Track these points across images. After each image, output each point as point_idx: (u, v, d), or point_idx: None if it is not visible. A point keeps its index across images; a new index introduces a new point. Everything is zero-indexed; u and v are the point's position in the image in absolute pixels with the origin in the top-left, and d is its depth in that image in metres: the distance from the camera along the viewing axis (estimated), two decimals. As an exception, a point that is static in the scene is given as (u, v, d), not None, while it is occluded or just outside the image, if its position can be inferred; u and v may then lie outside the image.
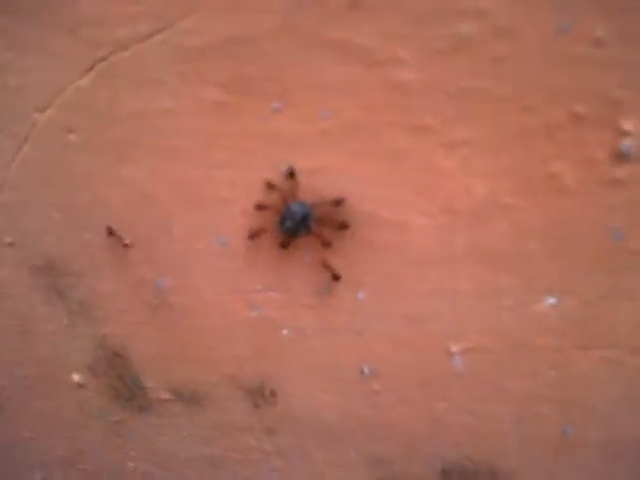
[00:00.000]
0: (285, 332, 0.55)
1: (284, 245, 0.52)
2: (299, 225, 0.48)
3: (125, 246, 0.52)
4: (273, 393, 0.59)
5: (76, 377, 0.64)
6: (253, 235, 0.52)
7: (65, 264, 0.57)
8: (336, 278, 0.52)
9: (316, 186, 0.48)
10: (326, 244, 0.50)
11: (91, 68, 0.47)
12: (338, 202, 0.48)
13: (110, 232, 0.53)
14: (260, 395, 0.59)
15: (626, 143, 0.39)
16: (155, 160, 0.49)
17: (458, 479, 0.59)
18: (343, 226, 0.49)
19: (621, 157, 0.40)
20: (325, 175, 0.48)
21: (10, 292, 0.60)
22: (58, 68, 0.47)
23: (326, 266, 0.51)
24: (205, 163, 0.49)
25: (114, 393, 0.64)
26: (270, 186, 0.50)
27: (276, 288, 0.53)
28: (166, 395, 0.62)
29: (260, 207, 0.51)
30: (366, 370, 0.54)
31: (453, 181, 0.46)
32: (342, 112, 0.45)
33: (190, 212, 0.52)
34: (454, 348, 0.53)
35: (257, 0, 0.42)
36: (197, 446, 0.66)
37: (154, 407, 0.64)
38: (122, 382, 0.63)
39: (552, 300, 0.48)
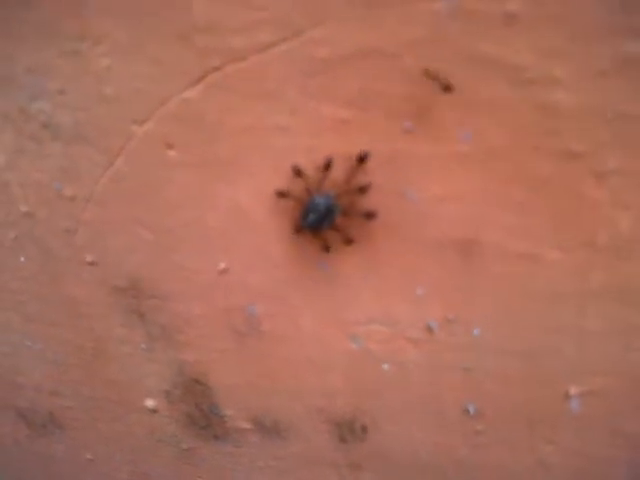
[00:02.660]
0: (385, 367, 0.50)
1: (297, 230, 0.47)
2: (323, 219, 0.44)
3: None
4: (364, 428, 0.53)
5: (149, 402, 0.58)
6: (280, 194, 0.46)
7: (150, 286, 0.51)
8: (348, 242, 0.46)
9: (445, 213, 0.44)
10: (348, 241, 0.46)
11: (201, 79, 0.41)
12: (364, 189, 0.44)
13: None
14: (349, 429, 0.54)
15: None
16: (260, 181, 0.44)
17: (558, 525, 0.51)
18: (370, 215, 0.44)
19: None
20: (456, 202, 0.44)
21: (86, 311, 0.54)
22: (162, 78, 0.42)
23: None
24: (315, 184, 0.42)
25: (189, 420, 0.59)
26: (297, 172, 0.45)
27: (381, 320, 0.47)
28: (245, 424, 0.57)
29: (281, 195, 0.46)
30: (471, 409, 0.49)
31: (598, 213, 0.41)
32: (484, 134, 0.40)
33: (293, 238, 0.44)
34: (573, 390, 0.48)
35: (400, 10, 0.35)
36: (272, 478, 0.59)
37: (230, 436, 0.58)
38: (199, 409, 0.57)
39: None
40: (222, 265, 0.49)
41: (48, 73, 0.45)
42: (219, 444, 0.61)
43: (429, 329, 0.47)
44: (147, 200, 0.48)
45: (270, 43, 0.41)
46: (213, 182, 0.45)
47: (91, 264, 0.52)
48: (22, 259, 0.54)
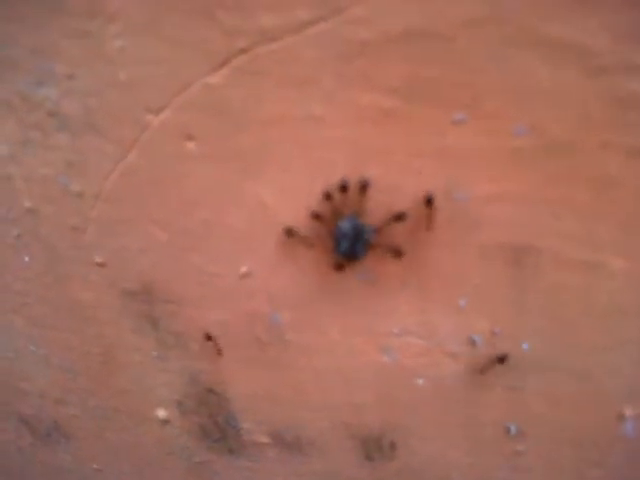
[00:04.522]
0: (420, 382, 0.44)
1: (339, 267, 0.43)
2: (355, 244, 0.40)
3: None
4: (393, 446, 0.48)
5: (161, 413, 0.53)
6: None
7: (164, 290, 0.45)
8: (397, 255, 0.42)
9: (495, 215, 0.40)
10: (396, 254, 0.41)
11: (225, 62, 0.36)
12: (400, 217, 0.39)
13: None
14: (376, 447, 0.49)
15: None
16: (289, 176, 0.39)
17: None
18: (397, 254, 0.41)
19: None
20: (508, 203, 0.39)
21: (94, 316, 0.49)
22: (182, 61, 0.36)
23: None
24: (352, 182, 0.36)
25: (202, 432, 0.54)
26: (327, 197, 0.40)
27: (417, 332, 0.41)
28: (263, 438, 0.52)
29: (316, 217, 0.42)
30: (513, 429, 0.43)
31: (669, 218, 0.33)
32: (544, 127, 0.36)
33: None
34: (629, 411, 0.44)
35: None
36: (291, 494, 0.54)
37: (247, 450, 0.53)
38: (213, 421, 0.52)
39: None
40: (244, 269, 0.44)
41: (55, 56, 0.40)
42: (234, 458, 0.56)
43: (472, 342, 0.42)
44: (162, 197, 0.42)
45: (305, 23, 0.36)
46: (237, 177, 0.40)
47: (100, 265, 0.47)
48: (26, 259, 0.48)
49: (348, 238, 0.41)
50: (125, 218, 0.45)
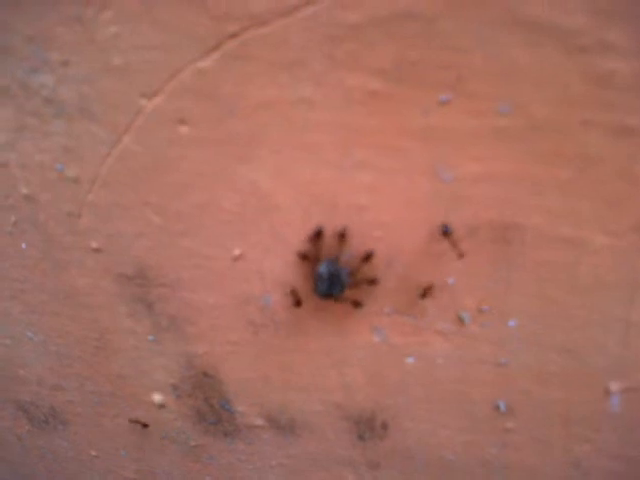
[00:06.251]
0: (410, 360, 0.45)
1: (297, 303, 0.46)
2: (333, 286, 0.43)
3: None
4: (384, 425, 0.49)
5: (157, 397, 0.54)
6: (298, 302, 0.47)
7: (159, 274, 0.46)
8: (372, 283, 0.45)
9: (481, 194, 0.40)
10: (356, 304, 0.45)
11: (216, 47, 0.36)
12: (367, 257, 0.43)
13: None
14: (368, 427, 0.50)
15: None
16: (281, 159, 0.39)
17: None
18: (372, 282, 0.43)
19: None
20: (493, 182, 0.39)
21: (90, 301, 0.49)
22: (174, 46, 0.37)
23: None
24: (340, 164, 0.40)
25: (197, 416, 0.54)
26: (302, 257, 0.45)
27: (407, 311, 0.41)
28: (258, 421, 0.52)
29: (304, 257, 0.45)
30: (502, 406, 0.44)
31: (651, 195, 0.34)
32: (526, 106, 0.36)
33: (313, 219, 0.43)
34: (614, 386, 0.44)
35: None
36: (285, 477, 0.57)
37: (242, 433, 0.54)
38: (208, 405, 0.53)
39: None
40: (237, 251, 0.44)
41: (50, 43, 0.40)
42: (229, 441, 0.56)
43: (460, 320, 0.42)
44: (156, 181, 0.43)
45: (294, 6, 0.37)
46: (229, 161, 0.41)
47: (96, 251, 0.47)
48: (23, 246, 0.49)
49: (325, 280, 0.43)
50: (120, 203, 0.45)
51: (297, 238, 0.43)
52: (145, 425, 0.51)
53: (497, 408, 0.46)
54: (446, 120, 0.36)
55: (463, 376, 0.46)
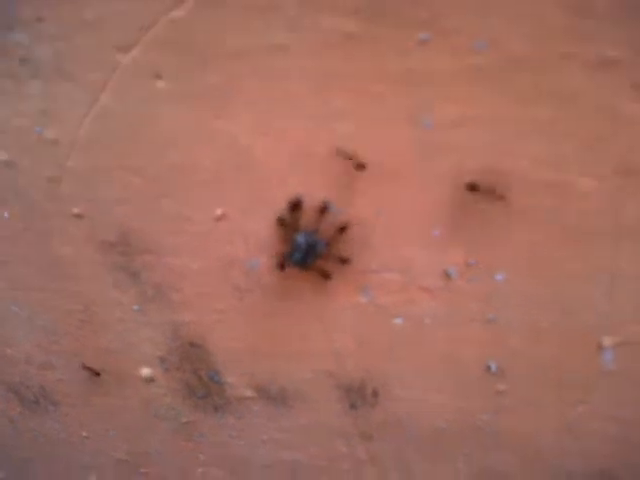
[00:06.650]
0: (398, 321, 0.44)
1: (281, 267, 0.46)
2: (308, 256, 0.44)
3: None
4: (375, 393, 0.48)
5: (145, 371, 0.53)
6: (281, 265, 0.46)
7: (142, 239, 0.45)
8: (344, 261, 0.45)
9: (462, 140, 0.39)
10: (344, 261, 0.45)
11: (189, -6, 0.34)
12: (343, 229, 0.43)
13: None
14: (360, 395, 0.49)
15: None
16: (258, 110, 0.39)
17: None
18: (345, 261, 0.44)
19: None
20: (475, 126, 0.38)
21: (74, 272, 0.48)
22: (148, -4, 0.35)
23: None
24: (318, 113, 0.40)
25: (187, 390, 0.53)
26: (280, 222, 0.44)
27: (394, 267, 0.40)
28: (248, 392, 0.51)
29: (281, 223, 0.45)
30: (493, 367, 0.44)
31: (634, 132, 0.36)
32: (502, 42, 0.35)
33: (292, 176, 0.43)
34: (607, 341, 0.44)
35: None
36: (277, 451, 0.55)
37: (232, 406, 0.53)
38: (197, 377, 0.52)
39: None
40: (219, 211, 0.44)
41: (21, -2, 0.38)
42: (219, 416, 0.55)
43: (447, 276, 0.41)
44: (135, 141, 0.42)
45: (266, -53, 0.33)
46: (206, 116, 0.40)
47: (77, 216, 0.47)
48: (5, 215, 0.48)
49: (301, 250, 0.44)
50: (100, 166, 0.45)
51: (278, 195, 0.42)
52: (97, 373, 0.50)
53: (488, 369, 0.45)
54: (425, 62, 0.35)
55: (452, 336, 0.45)
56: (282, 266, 0.46)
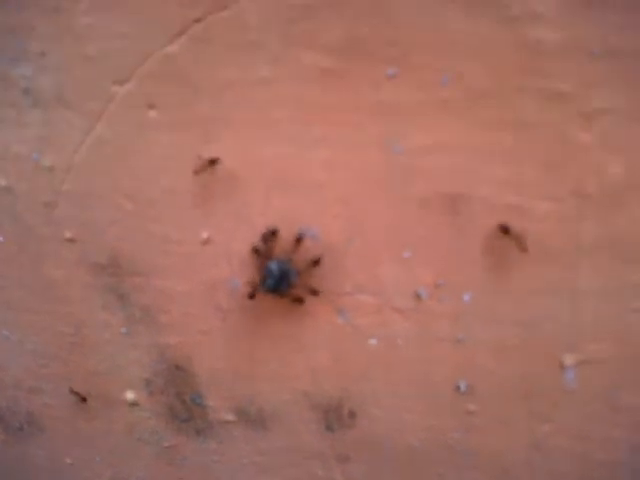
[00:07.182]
0: (373, 342, 0.46)
1: (251, 296, 0.49)
2: (280, 283, 0.46)
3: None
4: (352, 414, 0.50)
5: (130, 395, 0.55)
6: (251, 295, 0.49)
7: (131, 262, 0.48)
8: (314, 293, 0.48)
9: (430, 165, 0.41)
10: (313, 293, 0.48)
11: (182, 32, 0.39)
12: (316, 262, 0.46)
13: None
14: (336, 416, 0.51)
15: None
16: (244, 137, 0.42)
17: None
18: (314, 293, 0.47)
19: None
20: (441, 152, 0.41)
21: (66, 294, 0.51)
22: (144, 33, 0.40)
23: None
24: (300, 140, 0.42)
25: (170, 413, 0.55)
26: (255, 251, 0.47)
27: (368, 290, 0.43)
28: (229, 416, 0.54)
29: (256, 252, 0.48)
30: (462, 386, 0.46)
31: (587, 158, 0.39)
32: (466, 77, 0.38)
33: (277, 198, 0.46)
34: (568, 360, 0.45)
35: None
36: (256, 476, 0.56)
37: (213, 430, 0.55)
38: (180, 400, 0.54)
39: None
40: (205, 234, 0.46)
41: (29, 34, 0.43)
42: (201, 440, 0.57)
43: (417, 297, 0.44)
44: (128, 167, 0.45)
45: (252, -11, 0.37)
46: (195, 143, 0.43)
47: (70, 241, 0.49)
48: (1, 239, 0.50)
49: (274, 277, 0.46)
50: (94, 191, 0.47)
51: (260, 218, 0.44)
52: (84, 399, 0.52)
53: (458, 388, 0.47)
54: (395, 94, 0.39)
55: (423, 356, 0.47)
56: (252, 295, 0.48)
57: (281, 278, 0.46)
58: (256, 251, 0.47)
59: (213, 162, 0.44)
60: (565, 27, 0.35)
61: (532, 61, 0.37)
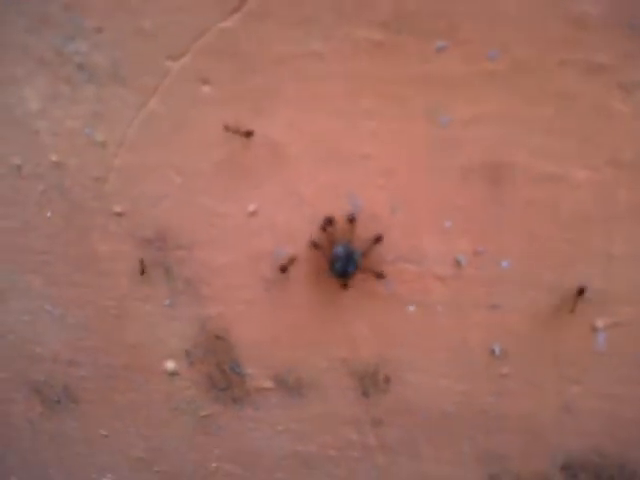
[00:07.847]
0: (411, 309, 0.47)
1: (344, 287, 0.49)
2: (347, 265, 0.47)
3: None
4: (387, 379, 0.52)
5: (170, 365, 0.56)
6: (283, 268, 0.50)
7: (177, 235, 0.49)
8: (380, 276, 0.49)
9: (474, 136, 0.43)
10: (379, 276, 0.48)
11: (239, 8, 0.40)
12: (377, 239, 0.47)
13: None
14: (372, 382, 0.53)
15: None
16: (294, 110, 0.43)
17: (580, 476, 0.50)
18: (379, 276, 0.48)
19: None
20: (485, 123, 0.43)
21: (110, 268, 0.53)
22: (200, 8, 0.42)
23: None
24: (348, 113, 0.44)
25: (209, 383, 0.57)
26: (314, 245, 0.49)
27: (410, 258, 0.45)
28: (267, 383, 0.55)
29: (315, 246, 0.49)
30: (497, 350, 0.47)
31: (624, 128, 0.41)
32: (512, 50, 0.40)
33: (323, 170, 0.47)
34: (600, 323, 0.47)
35: None
36: (291, 443, 0.58)
37: (250, 397, 0.56)
38: (220, 370, 0.55)
39: None
40: (251, 207, 0.48)
41: (85, 10, 0.44)
42: (237, 408, 0.59)
43: (457, 264, 0.46)
44: (179, 141, 0.47)
45: (308, -34, 0.39)
46: (248, 117, 0.45)
47: (118, 215, 0.51)
48: (49, 214, 0.52)
49: (342, 260, 0.47)
50: (145, 165, 0.49)
51: (308, 190, 0.46)
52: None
53: (492, 352, 0.49)
54: (443, 67, 0.40)
55: (460, 322, 0.49)
56: (284, 269, 0.50)
57: (347, 260, 0.46)
58: (315, 245, 0.49)
59: (249, 134, 0.45)
60: (605, 1, 0.36)
61: (574, 34, 0.38)
